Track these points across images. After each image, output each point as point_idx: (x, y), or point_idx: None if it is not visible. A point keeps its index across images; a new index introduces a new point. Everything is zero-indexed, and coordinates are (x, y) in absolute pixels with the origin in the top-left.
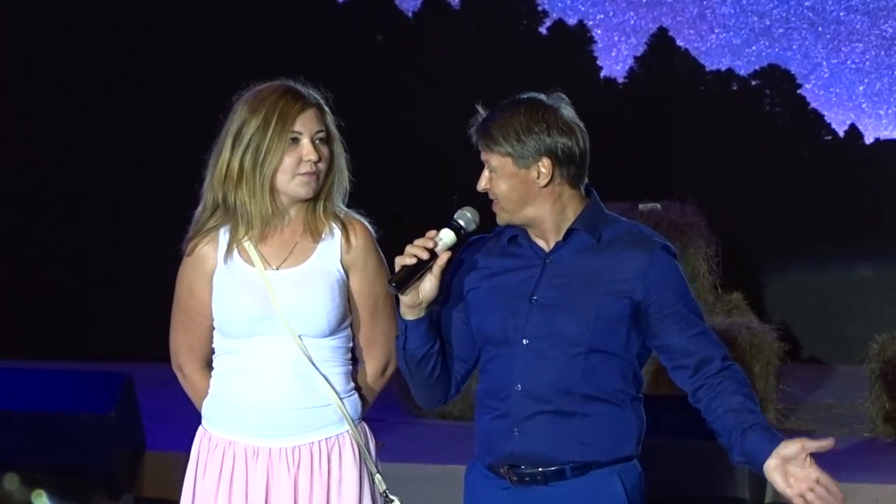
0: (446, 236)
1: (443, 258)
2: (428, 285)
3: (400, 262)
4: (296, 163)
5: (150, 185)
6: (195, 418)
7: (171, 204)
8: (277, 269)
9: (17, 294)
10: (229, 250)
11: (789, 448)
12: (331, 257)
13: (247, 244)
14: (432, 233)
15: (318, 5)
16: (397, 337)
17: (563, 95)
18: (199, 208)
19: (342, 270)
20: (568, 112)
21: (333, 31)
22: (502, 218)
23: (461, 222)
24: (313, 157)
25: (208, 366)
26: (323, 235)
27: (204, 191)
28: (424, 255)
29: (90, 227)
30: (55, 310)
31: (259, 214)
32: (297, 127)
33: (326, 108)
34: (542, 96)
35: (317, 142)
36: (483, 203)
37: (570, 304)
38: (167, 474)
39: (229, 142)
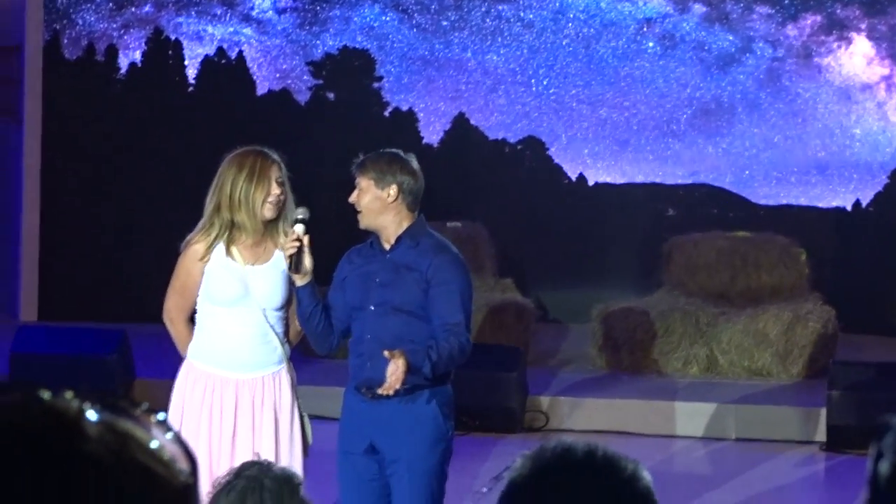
0: (298, 227)
1: (305, 240)
2: (307, 260)
3: (286, 255)
4: (268, 194)
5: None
6: (168, 361)
7: (165, 219)
8: (252, 265)
9: (55, 269)
10: (228, 251)
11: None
12: (283, 261)
13: (233, 248)
14: (291, 232)
15: (243, 102)
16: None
17: (413, 155)
18: (202, 222)
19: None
20: (414, 163)
21: (256, 122)
22: (363, 223)
23: (300, 216)
24: (277, 191)
25: (190, 320)
26: (279, 246)
27: (210, 212)
28: (297, 244)
29: (106, 226)
30: (77, 283)
31: (254, 228)
32: (269, 174)
33: (282, 165)
34: (401, 151)
35: (279, 183)
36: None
37: (397, 283)
38: (150, 395)
39: (228, 183)
